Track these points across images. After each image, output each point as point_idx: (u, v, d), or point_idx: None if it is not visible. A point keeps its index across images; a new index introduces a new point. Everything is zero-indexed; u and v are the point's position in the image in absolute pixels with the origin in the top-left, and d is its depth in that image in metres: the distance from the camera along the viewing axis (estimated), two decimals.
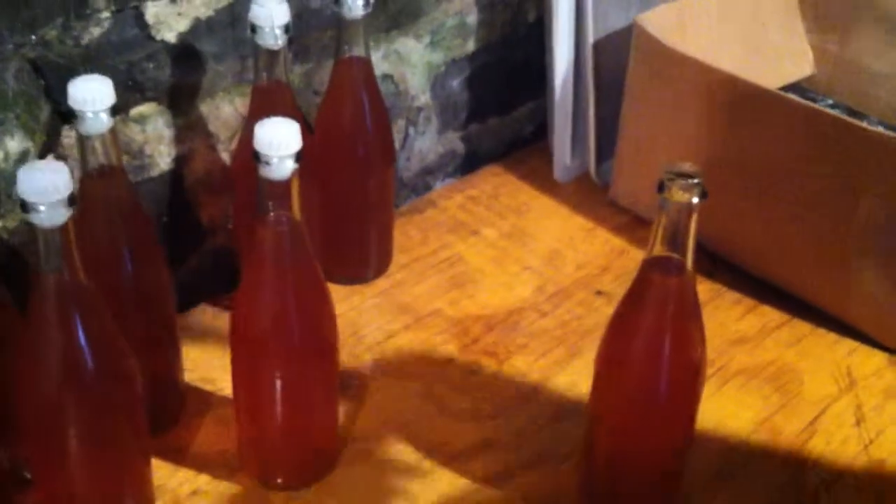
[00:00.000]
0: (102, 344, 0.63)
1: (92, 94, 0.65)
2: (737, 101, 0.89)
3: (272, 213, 0.65)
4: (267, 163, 0.63)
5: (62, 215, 0.58)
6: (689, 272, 0.65)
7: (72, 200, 0.58)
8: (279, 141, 0.62)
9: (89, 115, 0.65)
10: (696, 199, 0.62)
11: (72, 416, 0.63)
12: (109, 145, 0.67)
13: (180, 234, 0.88)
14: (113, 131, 0.67)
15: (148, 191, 0.84)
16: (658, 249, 0.65)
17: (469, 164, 1.11)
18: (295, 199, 0.65)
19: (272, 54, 0.77)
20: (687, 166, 0.63)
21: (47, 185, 0.56)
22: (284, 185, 0.64)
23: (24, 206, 0.57)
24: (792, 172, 0.88)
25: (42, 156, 0.77)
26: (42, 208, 0.57)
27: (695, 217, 0.63)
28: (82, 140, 0.67)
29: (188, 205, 0.88)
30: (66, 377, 0.62)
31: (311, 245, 0.68)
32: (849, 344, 0.89)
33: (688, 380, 0.68)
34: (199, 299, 0.89)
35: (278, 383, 0.69)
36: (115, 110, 0.78)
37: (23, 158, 0.75)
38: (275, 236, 0.66)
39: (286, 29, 0.76)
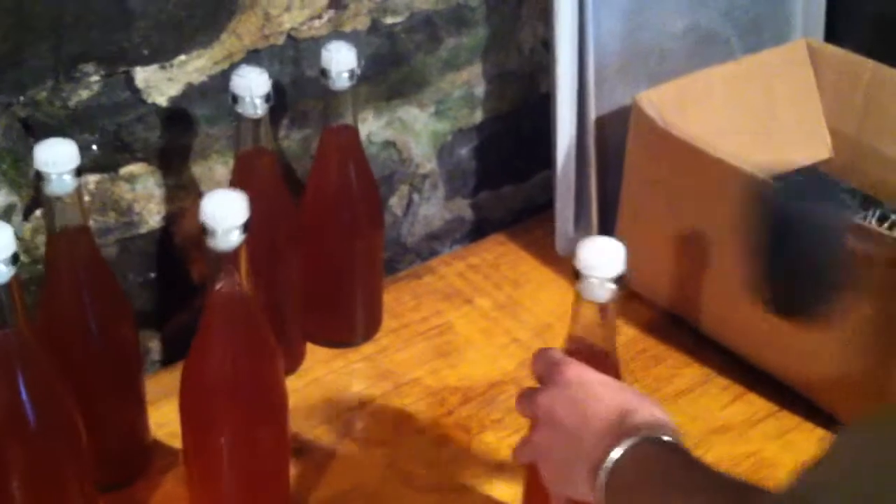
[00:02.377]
0: (45, 400, 0.64)
1: (56, 156, 0.67)
2: (725, 185, 0.87)
3: (220, 283, 0.67)
4: (212, 234, 0.64)
5: (4, 274, 0.60)
6: (613, 357, 0.66)
7: (15, 259, 0.60)
8: (223, 213, 0.64)
9: (53, 176, 0.68)
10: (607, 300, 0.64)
11: (13, 469, 0.65)
12: (75, 206, 0.70)
13: (170, 291, 0.90)
14: (78, 192, 0.69)
15: (136, 247, 0.87)
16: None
17: (479, 230, 1.11)
18: (243, 269, 0.66)
19: (254, 123, 0.79)
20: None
21: None
22: (230, 256, 0.65)
23: None
24: None
25: (29, 210, 0.80)
26: None
27: (611, 310, 0.65)
28: (48, 200, 0.69)
29: (178, 262, 0.90)
30: (6, 431, 0.64)
31: (260, 314, 0.69)
32: None
33: None
34: (186, 354, 0.91)
35: (223, 451, 0.70)
36: (104, 169, 0.82)
37: (8, 212, 0.78)
38: (221, 306, 0.67)
39: (267, 98, 0.78)
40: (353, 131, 0.86)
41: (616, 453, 0.58)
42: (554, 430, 0.63)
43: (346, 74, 0.82)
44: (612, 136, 1.01)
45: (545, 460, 0.65)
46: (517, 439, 0.85)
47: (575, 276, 0.64)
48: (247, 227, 0.65)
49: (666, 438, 0.60)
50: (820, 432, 0.87)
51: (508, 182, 1.12)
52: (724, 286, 0.91)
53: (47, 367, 0.65)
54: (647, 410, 0.61)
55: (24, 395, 0.63)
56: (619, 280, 0.64)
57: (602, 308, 0.65)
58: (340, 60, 0.81)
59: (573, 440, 0.61)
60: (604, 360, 0.66)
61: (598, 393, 0.62)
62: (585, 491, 0.61)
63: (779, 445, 0.86)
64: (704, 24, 1.07)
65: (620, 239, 0.98)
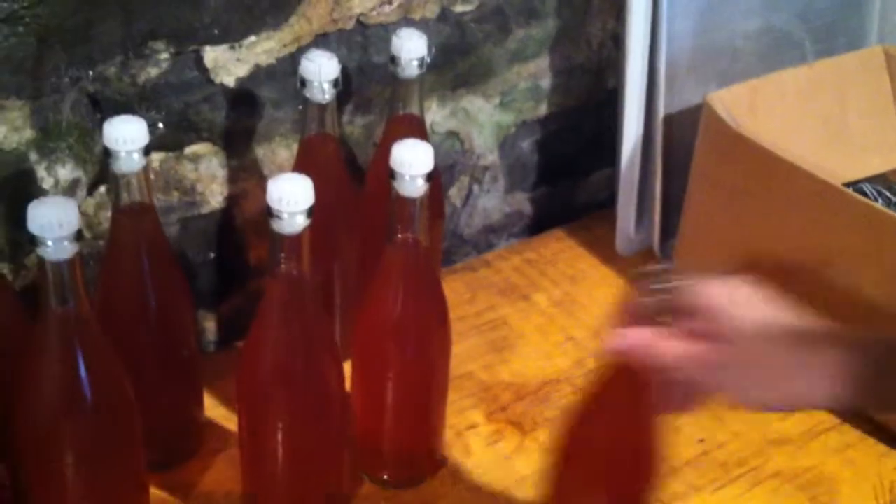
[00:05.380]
0: (102, 378, 0.64)
1: (125, 134, 0.67)
2: (797, 190, 0.85)
3: (283, 267, 0.66)
4: (278, 217, 0.64)
5: (68, 250, 0.59)
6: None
7: (78, 236, 0.60)
8: (289, 196, 0.63)
9: (122, 154, 0.67)
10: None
11: (66, 445, 0.64)
12: (141, 184, 0.69)
13: (227, 272, 0.90)
14: (146, 170, 0.69)
15: (197, 227, 0.86)
16: None
17: (537, 225, 1.10)
18: (305, 255, 0.66)
19: (321, 108, 0.78)
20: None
21: (53, 221, 0.58)
22: (295, 240, 0.65)
23: (33, 240, 0.59)
24: (850, 269, 0.84)
25: (93, 186, 0.80)
26: (49, 243, 0.59)
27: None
28: (115, 177, 0.69)
29: (238, 244, 0.90)
30: (63, 408, 0.64)
31: (319, 300, 0.68)
32: None
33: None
34: (239, 336, 0.91)
35: (278, 435, 0.70)
36: (169, 147, 0.82)
37: (73, 186, 0.78)
38: (283, 290, 0.67)
39: (335, 84, 0.77)
40: (419, 121, 0.85)
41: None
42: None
43: (415, 62, 0.80)
44: (679, 135, 1.00)
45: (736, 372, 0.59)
46: None
47: (391, 176, 0.69)
48: (311, 212, 0.64)
49: None
50: (882, 448, 0.85)
51: (569, 178, 1.11)
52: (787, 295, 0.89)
53: (105, 344, 0.64)
54: None
55: (82, 372, 0.63)
56: (430, 177, 0.69)
57: (416, 202, 0.69)
58: (411, 48, 0.79)
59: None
60: (422, 251, 0.72)
61: None
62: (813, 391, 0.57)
63: (840, 460, 0.84)
64: (778, 25, 1.05)
65: (682, 242, 0.98)
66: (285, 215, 0.64)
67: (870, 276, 0.82)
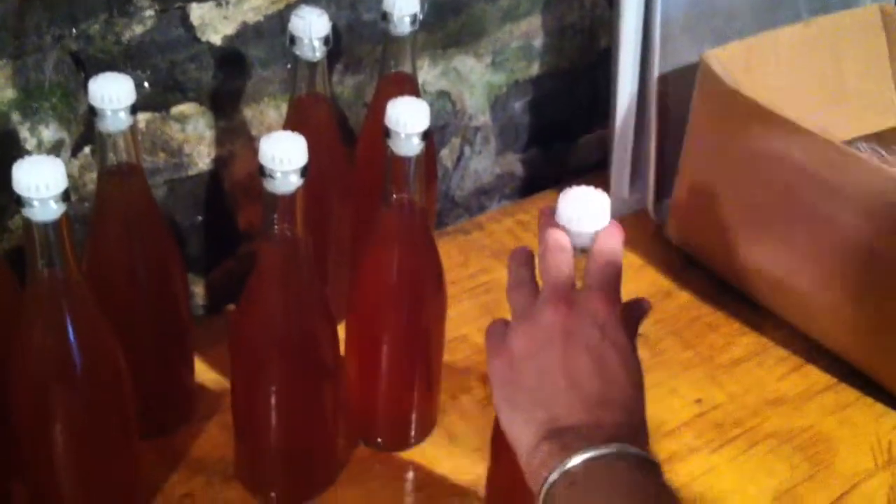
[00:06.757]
0: (91, 342, 0.63)
1: (111, 92, 0.65)
2: (795, 149, 0.84)
3: (276, 228, 0.65)
4: (271, 177, 0.62)
5: (55, 211, 0.58)
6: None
7: (66, 196, 0.58)
8: (282, 155, 0.61)
9: (108, 113, 0.65)
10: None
11: (55, 410, 0.63)
12: (128, 144, 0.67)
13: (216, 235, 0.88)
14: (133, 130, 0.67)
15: (184, 190, 0.85)
16: None
17: (528, 187, 1.09)
18: (299, 216, 0.64)
19: (311, 66, 0.76)
20: None
21: (40, 181, 0.56)
22: (289, 200, 0.63)
23: (19, 201, 0.57)
24: (852, 231, 0.83)
25: (78, 147, 0.78)
26: (35, 203, 0.57)
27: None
28: (101, 137, 0.67)
29: (226, 207, 0.88)
30: (52, 372, 0.62)
31: (313, 262, 0.67)
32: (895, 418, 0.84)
33: None
34: (229, 301, 0.89)
35: (272, 400, 0.68)
36: (155, 108, 0.80)
37: (57, 147, 0.76)
38: (277, 251, 0.65)
39: (326, 41, 0.75)
40: (412, 80, 0.83)
41: (576, 460, 0.51)
42: (538, 355, 0.55)
43: (408, 19, 0.78)
44: (674, 95, 0.98)
45: (513, 372, 0.56)
46: None
47: (386, 134, 0.67)
48: (305, 172, 0.63)
49: (636, 452, 0.52)
50: (879, 408, 0.84)
51: (561, 139, 1.09)
52: (783, 258, 0.88)
53: (94, 308, 0.63)
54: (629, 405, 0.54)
55: (70, 336, 0.62)
56: (425, 135, 0.67)
57: (411, 161, 0.68)
58: (403, 4, 0.77)
59: (551, 393, 0.54)
60: (418, 212, 0.71)
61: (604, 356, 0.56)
62: (521, 450, 0.54)
63: (836, 419, 0.83)
64: None
65: (677, 202, 0.97)
66: (279, 174, 0.62)
67: (875, 237, 0.81)
